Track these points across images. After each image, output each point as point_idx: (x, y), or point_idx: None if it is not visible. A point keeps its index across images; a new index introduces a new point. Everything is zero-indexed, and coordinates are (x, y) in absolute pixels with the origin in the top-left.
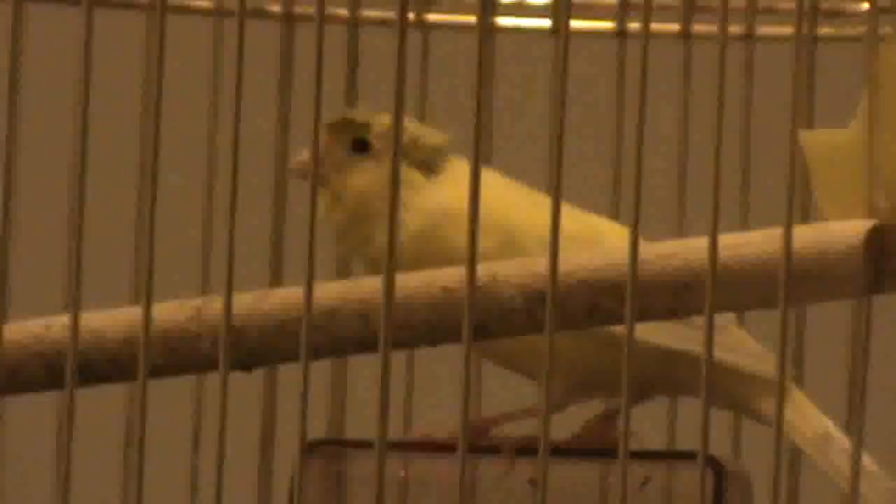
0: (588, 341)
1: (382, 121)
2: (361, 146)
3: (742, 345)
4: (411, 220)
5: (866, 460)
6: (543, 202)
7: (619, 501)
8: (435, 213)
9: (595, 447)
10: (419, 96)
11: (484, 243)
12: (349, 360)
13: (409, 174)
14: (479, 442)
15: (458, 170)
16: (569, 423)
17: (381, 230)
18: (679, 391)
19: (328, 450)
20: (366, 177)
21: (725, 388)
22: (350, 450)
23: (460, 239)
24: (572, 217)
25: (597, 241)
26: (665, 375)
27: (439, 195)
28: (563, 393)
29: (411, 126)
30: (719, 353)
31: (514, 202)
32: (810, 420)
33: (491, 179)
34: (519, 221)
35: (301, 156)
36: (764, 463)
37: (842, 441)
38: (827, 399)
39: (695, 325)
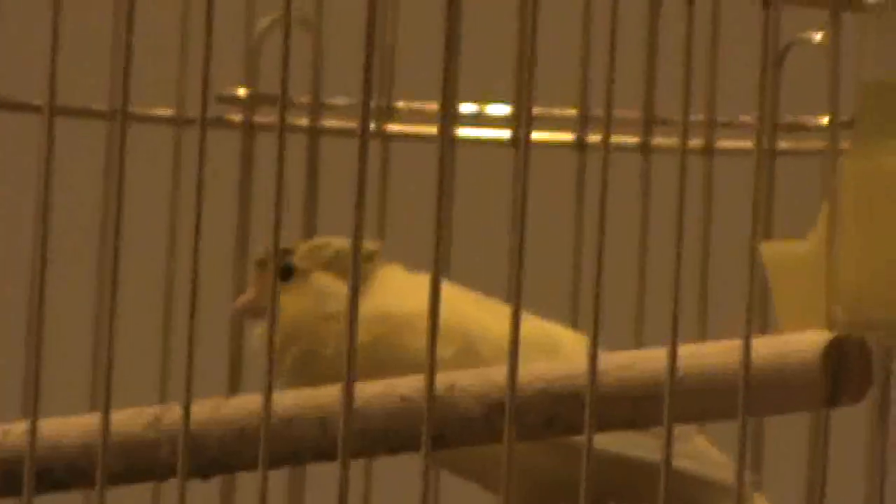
0: (545, 450)
1: (303, 245)
2: (287, 273)
3: (703, 453)
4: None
5: None
6: (497, 309)
7: None
8: (373, 319)
9: None
10: (379, 205)
11: (440, 351)
12: (307, 469)
13: (337, 286)
14: None
15: (390, 275)
16: None
17: (321, 344)
18: (638, 500)
19: None
20: (293, 300)
21: (685, 496)
22: None
23: (407, 343)
24: (529, 324)
25: (554, 349)
26: (624, 484)
27: (372, 302)
28: (521, 502)
29: (335, 241)
30: (679, 462)
31: (467, 309)
32: None
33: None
34: (474, 327)
35: (240, 299)
36: None
37: None
38: None
39: (655, 434)
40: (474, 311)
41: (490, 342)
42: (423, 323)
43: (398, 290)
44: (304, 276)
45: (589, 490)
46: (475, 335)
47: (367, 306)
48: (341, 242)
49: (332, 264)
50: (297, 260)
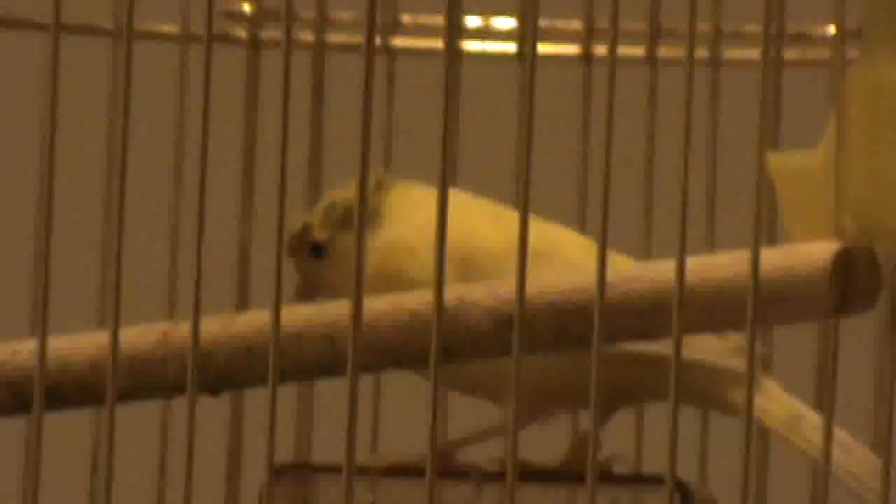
0: (553, 358)
1: (316, 215)
2: (318, 251)
3: (706, 343)
4: (366, 262)
5: (840, 433)
6: (504, 216)
7: None
8: (384, 250)
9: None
10: (385, 120)
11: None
12: (316, 384)
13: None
14: (446, 466)
15: (401, 199)
16: (541, 445)
17: None
18: (648, 397)
19: (295, 474)
20: (334, 272)
21: (694, 385)
22: (317, 474)
23: (413, 270)
24: (534, 230)
25: (552, 254)
26: (633, 381)
27: (385, 234)
28: (528, 411)
29: (338, 197)
30: (686, 353)
31: (471, 223)
32: (780, 402)
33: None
34: (477, 243)
35: (293, 292)
36: (732, 487)
37: (813, 419)
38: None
39: None
40: (476, 224)
41: (492, 256)
42: (422, 247)
43: (406, 215)
44: (331, 245)
45: (599, 395)
46: (476, 249)
47: (379, 237)
48: (343, 195)
49: (347, 220)
50: (317, 233)
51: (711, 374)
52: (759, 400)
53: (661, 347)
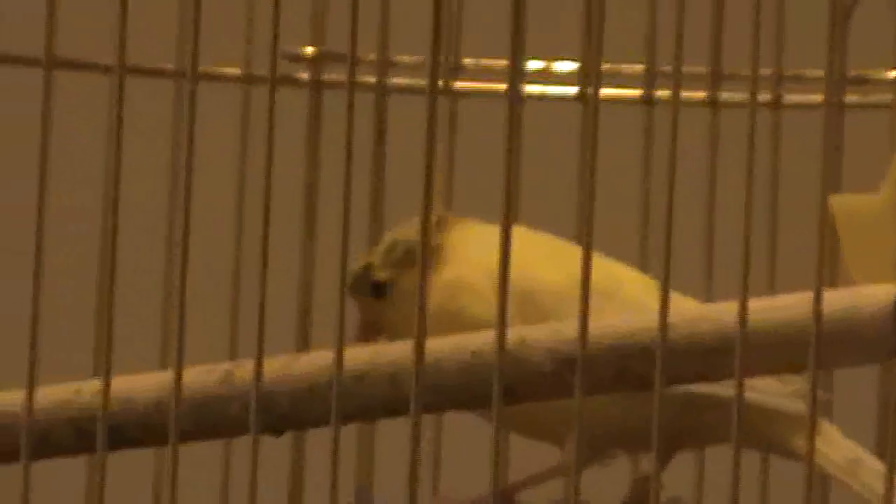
0: (613, 400)
1: (376, 255)
2: (380, 291)
3: (773, 387)
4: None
5: None
6: (565, 253)
7: None
8: (445, 288)
9: None
10: (447, 162)
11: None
12: (378, 425)
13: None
14: None
15: (463, 236)
16: (602, 487)
17: None
18: (708, 440)
19: None
20: (396, 311)
21: (754, 428)
22: None
23: (475, 308)
24: (597, 268)
25: (619, 294)
26: (693, 424)
27: (447, 272)
28: (588, 452)
29: (400, 236)
30: (749, 395)
31: (533, 260)
32: (840, 447)
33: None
34: (538, 281)
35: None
36: None
37: (874, 464)
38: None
39: None
40: (538, 261)
41: (552, 293)
42: (484, 285)
43: (467, 253)
44: (393, 285)
45: (660, 437)
46: (537, 287)
47: (440, 276)
48: (405, 234)
49: (409, 259)
50: (378, 273)
51: (772, 418)
52: (818, 444)
53: (721, 389)
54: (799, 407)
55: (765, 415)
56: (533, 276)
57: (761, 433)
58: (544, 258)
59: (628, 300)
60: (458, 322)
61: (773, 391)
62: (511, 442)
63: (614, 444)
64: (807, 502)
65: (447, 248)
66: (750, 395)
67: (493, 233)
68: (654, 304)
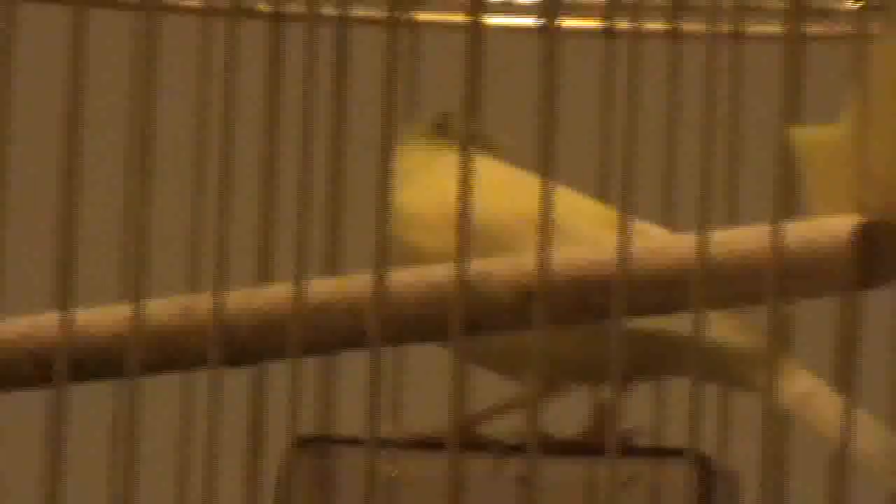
0: (573, 334)
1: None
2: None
3: (724, 322)
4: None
5: (858, 413)
6: (521, 184)
7: (606, 498)
8: (397, 213)
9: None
10: (408, 95)
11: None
12: (339, 357)
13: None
14: (467, 439)
15: (434, 160)
16: (562, 417)
17: None
18: (666, 372)
19: (317, 446)
20: None
21: (711, 363)
22: (339, 446)
23: (419, 237)
24: (557, 200)
25: (570, 227)
26: (651, 358)
27: (405, 194)
28: (547, 384)
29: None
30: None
31: (486, 190)
32: (795, 380)
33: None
34: (488, 212)
35: None
36: (753, 461)
37: (830, 397)
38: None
39: None
40: (491, 193)
41: (501, 226)
42: (432, 215)
43: (430, 178)
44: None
45: (618, 369)
46: (486, 219)
47: (400, 195)
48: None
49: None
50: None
51: (728, 354)
52: (776, 378)
53: (678, 326)
54: (755, 343)
55: (721, 352)
56: (484, 209)
57: (718, 368)
58: (499, 190)
59: (581, 234)
60: (402, 251)
61: (729, 326)
62: (474, 374)
63: (572, 377)
64: (765, 433)
65: (419, 167)
66: (706, 333)
67: (455, 162)
68: (610, 237)
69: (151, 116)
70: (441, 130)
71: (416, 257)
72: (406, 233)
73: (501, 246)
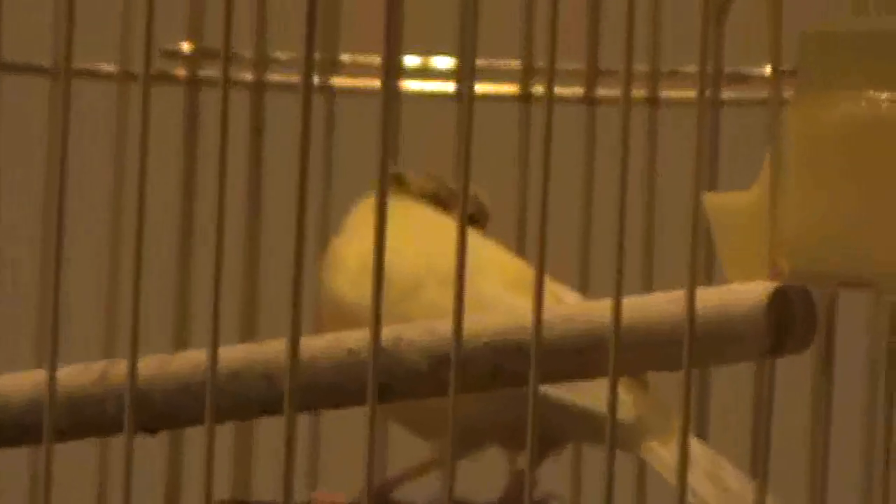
0: (482, 398)
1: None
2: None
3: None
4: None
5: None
6: (435, 238)
7: None
8: (327, 257)
9: None
10: (324, 159)
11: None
12: (255, 423)
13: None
14: None
15: (366, 210)
16: (479, 483)
17: None
18: (569, 439)
19: None
20: None
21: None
22: None
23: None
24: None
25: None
26: (553, 424)
27: (337, 241)
28: (461, 447)
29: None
30: (589, 401)
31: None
32: (673, 450)
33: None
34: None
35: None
36: None
37: (711, 468)
38: (732, 456)
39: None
40: (400, 246)
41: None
42: (351, 264)
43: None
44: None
45: (532, 435)
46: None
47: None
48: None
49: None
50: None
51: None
52: (656, 446)
53: (564, 393)
54: (639, 414)
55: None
56: (389, 261)
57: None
58: (410, 243)
59: (482, 295)
60: (328, 297)
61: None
62: (393, 439)
63: (486, 440)
64: (680, 495)
65: (367, 218)
66: (582, 400)
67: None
68: (517, 298)
69: (66, 181)
70: (398, 184)
71: (337, 304)
72: (331, 279)
73: (396, 300)
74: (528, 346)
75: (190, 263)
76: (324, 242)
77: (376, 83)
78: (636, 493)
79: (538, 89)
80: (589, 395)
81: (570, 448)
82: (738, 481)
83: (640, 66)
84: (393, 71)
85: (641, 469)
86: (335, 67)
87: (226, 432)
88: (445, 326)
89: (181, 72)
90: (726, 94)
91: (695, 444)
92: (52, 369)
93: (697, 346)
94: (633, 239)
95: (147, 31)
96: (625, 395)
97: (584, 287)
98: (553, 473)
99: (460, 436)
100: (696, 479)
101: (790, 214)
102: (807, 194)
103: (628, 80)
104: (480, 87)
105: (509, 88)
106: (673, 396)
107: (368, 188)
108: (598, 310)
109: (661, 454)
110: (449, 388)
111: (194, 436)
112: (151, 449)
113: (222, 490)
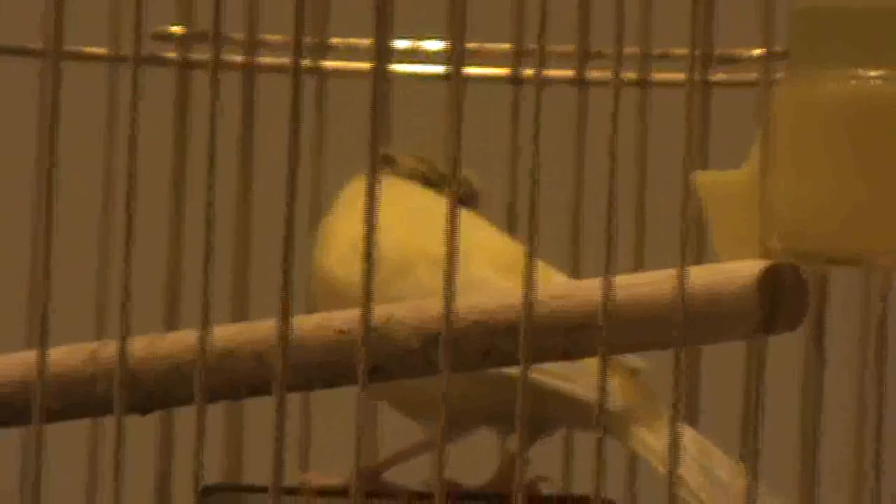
0: (480, 380)
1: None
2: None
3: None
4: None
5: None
6: (427, 220)
7: None
8: (320, 238)
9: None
10: (314, 141)
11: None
12: (245, 404)
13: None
14: (374, 486)
15: (358, 190)
16: (470, 466)
17: None
18: (559, 424)
19: (224, 495)
20: None
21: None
22: (246, 495)
23: (333, 264)
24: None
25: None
26: (542, 408)
27: (329, 222)
28: (452, 429)
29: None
30: (579, 389)
31: (387, 224)
32: (664, 437)
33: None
34: (382, 246)
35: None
36: None
37: (698, 455)
38: (722, 439)
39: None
40: (391, 227)
41: (391, 261)
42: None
43: (350, 209)
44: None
45: (525, 416)
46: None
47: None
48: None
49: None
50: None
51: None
52: (644, 434)
53: (560, 381)
54: (628, 402)
55: (586, 407)
56: (380, 241)
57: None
58: (401, 223)
59: (472, 276)
60: (319, 275)
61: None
62: (384, 420)
63: (477, 422)
64: (671, 480)
65: (358, 198)
66: (581, 390)
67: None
68: (507, 280)
69: (56, 163)
70: (389, 165)
71: (329, 283)
72: (322, 258)
73: (385, 282)
74: (519, 325)
75: (180, 244)
76: (315, 223)
77: (366, 66)
78: (626, 475)
79: (528, 71)
80: (579, 382)
81: (561, 430)
82: (726, 468)
83: (631, 48)
84: (383, 53)
85: (632, 450)
86: (325, 50)
87: (217, 415)
88: (436, 305)
89: (171, 54)
90: (717, 75)
91: (684, 431)
92: (43, 350)
93: (689, 325)
94: (623, 220)
95: (137, 14)
96: (613, 382)
97: (575, 267)
98: (544, 455)
99: (450, 417)
100: (684, 467)
101: (781, 193)
102: (797, 172)
103: (618, 61)
104: (471, 70)
105: (499, 70)
106: (662, 378)
107: (359, 169)
108: (589, 288)
109: (649, 441)
110: (440, 368)
111: (185, 417)
112: (142, 429)
113: (213, 471)
